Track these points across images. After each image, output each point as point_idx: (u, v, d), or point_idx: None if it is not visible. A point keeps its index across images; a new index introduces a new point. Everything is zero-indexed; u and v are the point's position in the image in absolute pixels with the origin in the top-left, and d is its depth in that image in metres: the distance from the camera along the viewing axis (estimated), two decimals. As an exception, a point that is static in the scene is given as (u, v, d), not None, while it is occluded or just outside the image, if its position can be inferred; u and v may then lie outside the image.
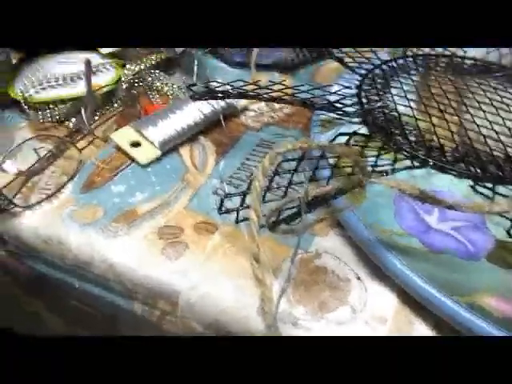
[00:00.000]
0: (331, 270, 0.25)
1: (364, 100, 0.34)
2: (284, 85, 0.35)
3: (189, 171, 0.31)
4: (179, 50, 0.43)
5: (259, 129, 0.37)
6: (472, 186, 0.25)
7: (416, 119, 0.32)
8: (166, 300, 0.25)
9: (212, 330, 0.24)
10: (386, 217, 0.24)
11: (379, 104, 0.33)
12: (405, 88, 0.35)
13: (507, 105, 0.33)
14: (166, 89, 0.39)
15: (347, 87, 0.36)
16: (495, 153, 0.29)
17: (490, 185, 0.25)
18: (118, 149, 0.33)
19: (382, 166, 0.27)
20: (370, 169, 0.26)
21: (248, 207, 0.23)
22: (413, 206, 0.25)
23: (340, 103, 0.34)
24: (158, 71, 0.40)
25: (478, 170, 0.27)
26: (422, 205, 0.25)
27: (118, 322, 0.27)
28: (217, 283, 0.24)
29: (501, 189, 0.26)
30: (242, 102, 0.39)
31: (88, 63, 0.35)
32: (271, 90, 0.35)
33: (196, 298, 0.24)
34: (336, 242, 0.26)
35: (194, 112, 0.35)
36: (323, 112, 0.35)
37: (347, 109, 0.34)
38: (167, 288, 0.25)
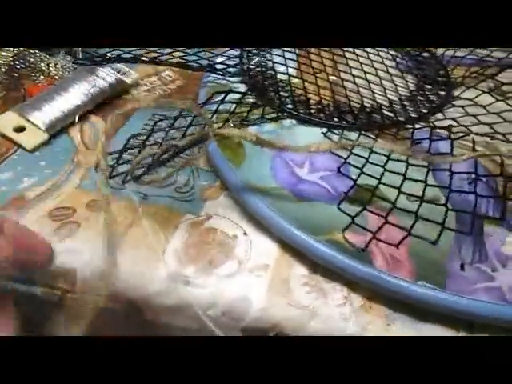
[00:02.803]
0: (220, 230, 0.26)
1: (245, 60, 0.36)
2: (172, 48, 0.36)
3: (79, 151, 0.31)
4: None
5: (151, 103, 0.37)
6: (323, 133, 0.28)
7: (289, 76, 0.34)
8: (64, 279, 0.25)
9: (112, 300, 0.25)
10: (263, 173, 0.26)
11: (256, 60, 0.35)
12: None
13: (372, 61, 0.36)
14: (50, 69, 0.38)
15: (232, 48, 0.37)
16: (352, 103, 0.32)
17: (338, 131, 0.28)
18: (2, 136, 0.31)
19: (253, 119, 0.29)
20: (238, 122, 0.28)
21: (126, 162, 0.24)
22: (286, 162, 0.27)
23: (223, 64, 0.35)
24: (39, 51, 0.38)
25: (336, 119, 0.30)
26: (294, 159, 0.27)
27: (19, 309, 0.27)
28: (111, 256, 0.25)
29: (353, 135, 0.29)
30: (133, 77, 0.38)
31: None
32: (159, 53, 0.35)
33: (92, 272, 0.25)
34: (225, 203, 0.28)
35: (82, 91, 0.34)
36: (211, 77, 0.36)
37: (229, 69, 0.35)
38: (64, 267, 0.25)
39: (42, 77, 0.37)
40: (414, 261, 0.22)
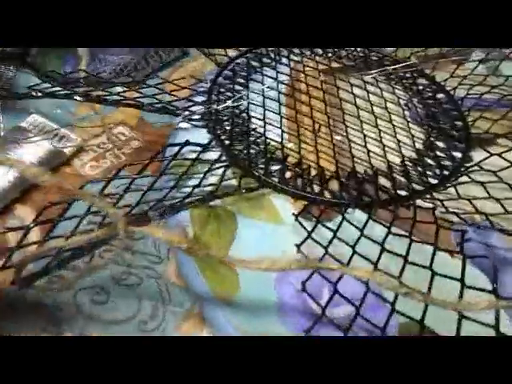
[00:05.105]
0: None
1: (214, 97, 0.28)
2: (129, 85, 0.28)
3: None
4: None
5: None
6: (295, 215, 0.21)
7: (265, 123, 0.26)
8: None
9: None
10: (266, 313, 0.18)
11: (226, 104, 0.26)
12: (267, 81, 0.29)
13: (372, 104, 0.28)
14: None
15: (200, 81, 0.29)
16: (340, 165, 0.24)
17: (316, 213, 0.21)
18: None
19: (208, 185, 0.22)
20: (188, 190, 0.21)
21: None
22: (297, 289, 0.19)
23: (190, 101, 0.27)
24: None
25: (316, 190, 0.23)
26: (307, 285, 0.19)
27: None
28: None
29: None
30: (74, 143, 0.29)
31: None
32: (108, 92, 0.27)
33: None
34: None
35: (1, 174, 0.25)
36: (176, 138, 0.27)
37: (193, 108, 0.27)
38: None
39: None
40: None
